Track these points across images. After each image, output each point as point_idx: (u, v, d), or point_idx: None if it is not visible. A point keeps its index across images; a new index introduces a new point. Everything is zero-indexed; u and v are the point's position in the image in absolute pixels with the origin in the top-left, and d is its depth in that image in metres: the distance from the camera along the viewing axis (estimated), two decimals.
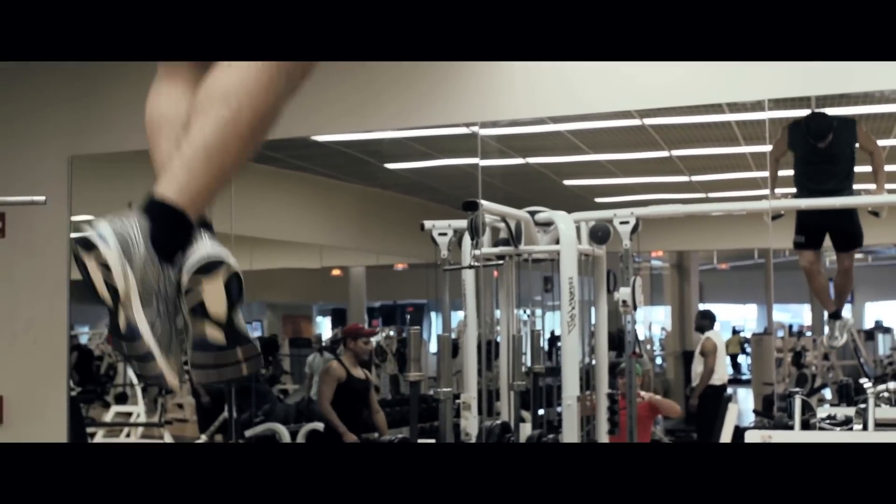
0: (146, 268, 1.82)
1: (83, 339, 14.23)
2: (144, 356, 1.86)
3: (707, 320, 11.31)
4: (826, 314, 7.93)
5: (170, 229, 1.85)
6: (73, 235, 1.86)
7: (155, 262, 1.83)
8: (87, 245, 1.82)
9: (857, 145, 7.05)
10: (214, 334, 1.89)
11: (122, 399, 13.23)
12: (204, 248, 1.87)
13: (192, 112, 1.91)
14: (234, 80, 1.89)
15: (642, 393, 8.32)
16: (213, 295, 1.86)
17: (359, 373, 8.87)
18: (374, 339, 14.39)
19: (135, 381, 13.33)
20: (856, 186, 7.15)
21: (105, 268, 1.81)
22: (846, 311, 7.88)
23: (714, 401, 10.40)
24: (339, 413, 8.65)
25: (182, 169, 1.87)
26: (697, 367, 11.03)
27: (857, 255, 7.89)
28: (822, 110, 7.01)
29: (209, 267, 1.85)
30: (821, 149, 7.06)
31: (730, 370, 16.25)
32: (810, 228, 7.28)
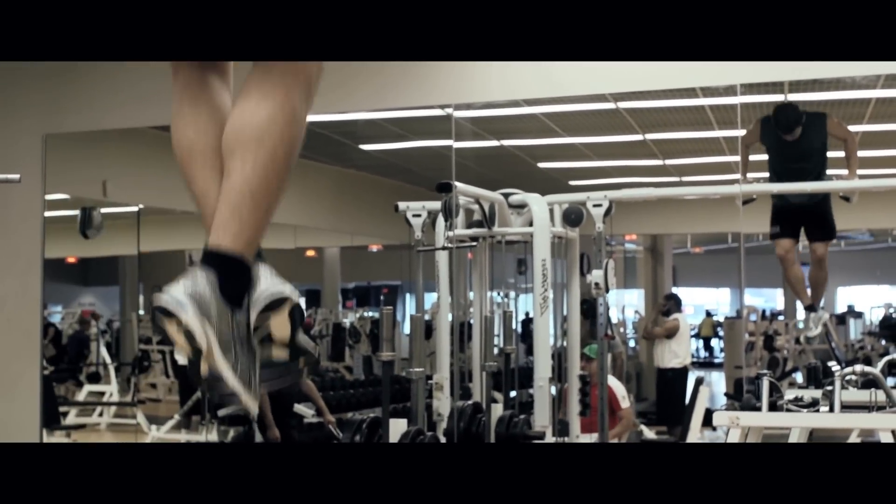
0: (221, 320, 1.94)
1: (56, 318, 14.21)
2: (228, 395, 1.98)
3: (672, 302, 11.34)
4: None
5: (234, 277, 1.97)
6: (154, 304, 1.99)
7: (228, 312, 1.95)
8: (168, 314, 1.91)
9: (827, 139, 7.09)
10: (279, 354, 2.05)
11: (94, 378, 13.22)
12: (267, 285, 2.00)
13: (226, 153, 2.00)
14: (263, 118, 1.97)
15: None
16: (279, 325, 2.01)
17: None
18: (345, 321, 14.42)
19: (108, 360, 13.32)
20: (828, 172, 7.20)
21: (186, 332, 1.91)
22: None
23: (677, 383, 10.45)
24: (273, 393, 8.70)
25: (231, 215, 1.97)
26: (660, 349, 11.05)
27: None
28: (792, 101, 7.04)
29: (275, 304, 1.99)
30: (789, 143, 7.09)
31: (703, 353, 16.35)
32: (785, 221, 7.33)
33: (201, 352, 1.93)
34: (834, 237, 7.51)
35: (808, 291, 7.73)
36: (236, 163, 1.97)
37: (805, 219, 7.33)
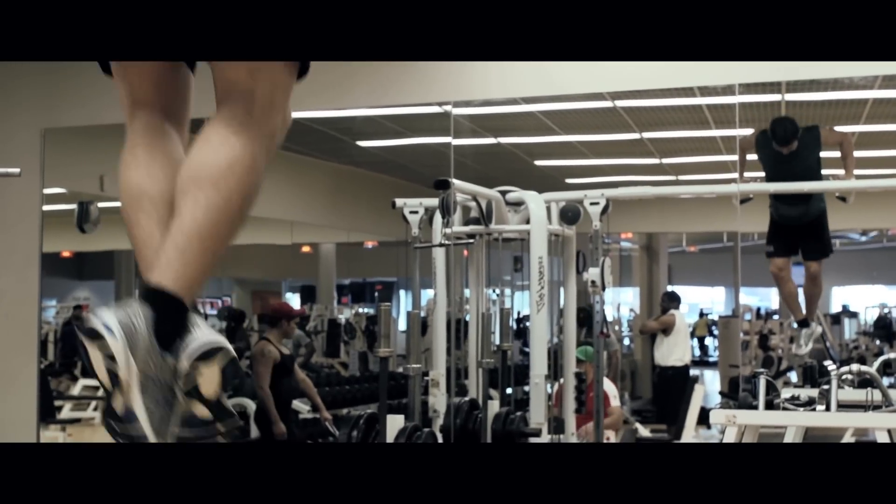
0: (148, 357, 1.89)
1: (50, 313, 14.20)
2: (137, 438, 1.92)
3: (673, 302, 11.37)
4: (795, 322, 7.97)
5: (171, 318, 1.92)
6: (81, 323, 1.92)
7: (157, 351, 1.89)
8: (93, 335, 1.87)
9: (820, 154, 7.11)
10: (202, 411, 1.95)
11: (89, 372, 13.20)
12: (203, 335, 1.93)
13: (180, 193, 1.95)
14: (221, 162, 1.94)
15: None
16: (209, 379, 1.93)
17: (284, 349, 9.02)
18: (341, 317, 14.45)
19: None
20: (825, 172, 7.21)
21: (110, 358, 1.86)
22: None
23: (676, 381, 10.47)
24: (273, 389, 8.74)
25: (177, 257, 1.92)
26: (660, 347, 11.08)
27: None
28: (788, 116, 7.06)
29: (209, 354, 1.92)
30: (785, 156, 7.08)
31: (696, 352, 16.39)
32: (781, 239, 7.35)
33: (119, 384, 1.89)
34: (829, 255, 7.52)
35: (802, 307, 7.75)
36: (189, 203, 1.93)
37: (800, 236, 7.36)
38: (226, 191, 1.93)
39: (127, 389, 1.89)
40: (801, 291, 7.68)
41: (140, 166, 2.11)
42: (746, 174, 7.23)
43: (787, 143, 7.06)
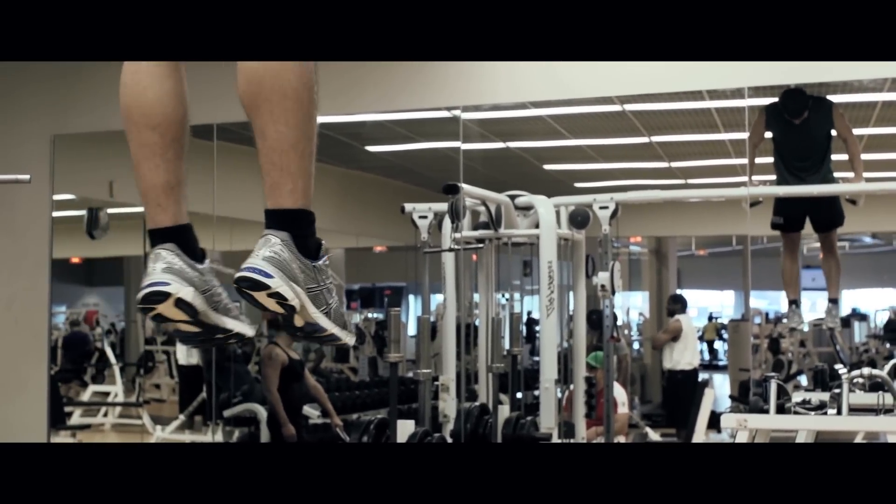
0: (306, 277, 2.01)
1: (59, 319, 14.20)
2: (325, 339, 2.10)
3: (678, 304, 11.32)
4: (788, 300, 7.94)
5: (304, 231, 2.03)
6: (238, 280, 1.95)
7: (309, 266, 2.02)
8: (255, 286, 1.95)
9: (833, 131, 7.07)
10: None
11: (98, 378, 13.21)
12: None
13: (250, 107, 1.97)
14: (276, 66, 1.94)
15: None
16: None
17: (293, 354, 9.02)
18: (352, 322, 14.43)
19: (112, 360, 13.31)
20: (835, 175, 7.19)
21: (279, 297, 1.96)
22: (822, 303, 7.93)
23: (685, 386, 10.43)
24: (283, 394, 8.74)
25: (283, 175, 1.98)
26: (668, 351, 11.02)
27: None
28: (797, 87, 7.04)
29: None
30: (797, 126, 7.08)
31: (706, 356, 16.34)
32: (789, 210, 7.30)
33: (295, 310, 1.99)
34: (841, 224, 7.45)
35: (801, 286, 7.72)
36: (266, 120, 1.95)
37: (810, 206, 7.30)
38: (293, 94, 1.95)
39: (303, 312, 2.01)
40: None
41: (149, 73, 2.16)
42: (755, 177, 7.21)
43: (799, 114, 7.06)
